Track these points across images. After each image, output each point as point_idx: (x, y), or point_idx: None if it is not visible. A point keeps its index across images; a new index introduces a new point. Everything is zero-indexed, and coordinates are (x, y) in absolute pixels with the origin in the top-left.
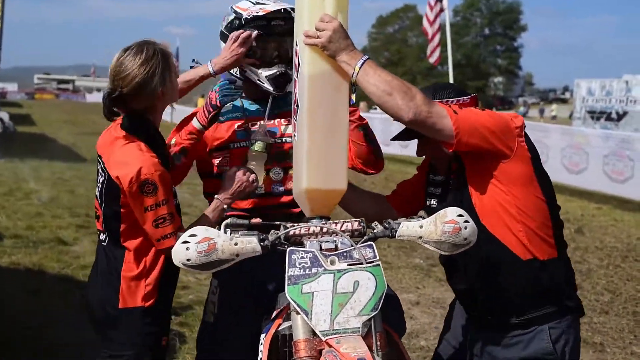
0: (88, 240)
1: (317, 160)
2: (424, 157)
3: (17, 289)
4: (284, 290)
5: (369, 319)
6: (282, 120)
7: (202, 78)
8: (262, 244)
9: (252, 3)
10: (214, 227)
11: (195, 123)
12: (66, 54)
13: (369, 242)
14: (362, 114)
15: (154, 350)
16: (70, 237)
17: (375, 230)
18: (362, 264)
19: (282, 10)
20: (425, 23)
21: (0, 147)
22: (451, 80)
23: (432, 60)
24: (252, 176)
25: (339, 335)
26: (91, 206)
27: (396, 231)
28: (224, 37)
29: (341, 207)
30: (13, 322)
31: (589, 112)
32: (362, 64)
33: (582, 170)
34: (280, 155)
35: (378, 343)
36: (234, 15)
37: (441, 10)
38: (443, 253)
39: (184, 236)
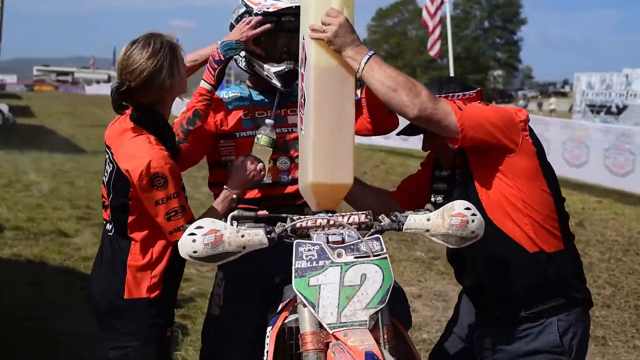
0: (89, 232)
1: (323, 155)
2: (427, 152)
3: (18, 280)
4: (290, 282)
5: (376, 312)
6: (289, 110)
7: (208, 59)
8: (268, 236)
9: None
10: (222, 219)
11: (203, 84)
12: (65, 46)
13: (376, 235)
14: None
15: (158, 341)
16: (71, 229)
17: (382, 223)
18: (369, 256)
19: (293, 7)
20: (425, 16)
21: None
22: (451, 74)
23: (432, 53)
24: (260, 165)
25: (346, 328)
26: (92, 198)
27: (403, 224)
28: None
29: (346, 201)
30: (14, 314)
31: (589, 105)
32: (367, 60)
33: (583, 163)
34: (286, 146)
35: (385, 336)
36: (245, 8)
37: (442, 3)
38: (450, 246)
39: (191, 228)
